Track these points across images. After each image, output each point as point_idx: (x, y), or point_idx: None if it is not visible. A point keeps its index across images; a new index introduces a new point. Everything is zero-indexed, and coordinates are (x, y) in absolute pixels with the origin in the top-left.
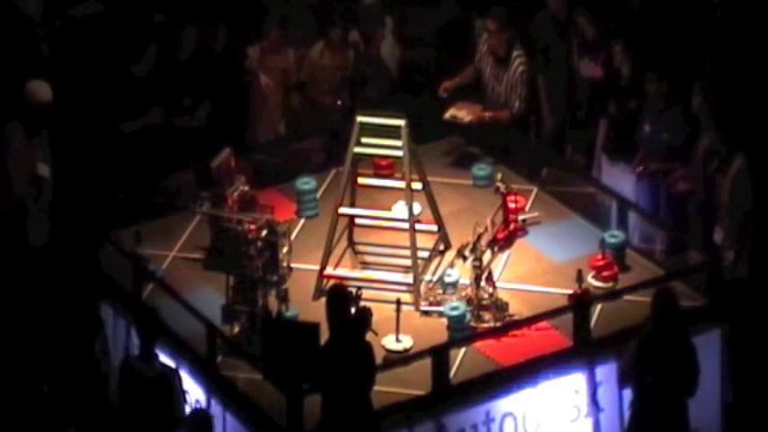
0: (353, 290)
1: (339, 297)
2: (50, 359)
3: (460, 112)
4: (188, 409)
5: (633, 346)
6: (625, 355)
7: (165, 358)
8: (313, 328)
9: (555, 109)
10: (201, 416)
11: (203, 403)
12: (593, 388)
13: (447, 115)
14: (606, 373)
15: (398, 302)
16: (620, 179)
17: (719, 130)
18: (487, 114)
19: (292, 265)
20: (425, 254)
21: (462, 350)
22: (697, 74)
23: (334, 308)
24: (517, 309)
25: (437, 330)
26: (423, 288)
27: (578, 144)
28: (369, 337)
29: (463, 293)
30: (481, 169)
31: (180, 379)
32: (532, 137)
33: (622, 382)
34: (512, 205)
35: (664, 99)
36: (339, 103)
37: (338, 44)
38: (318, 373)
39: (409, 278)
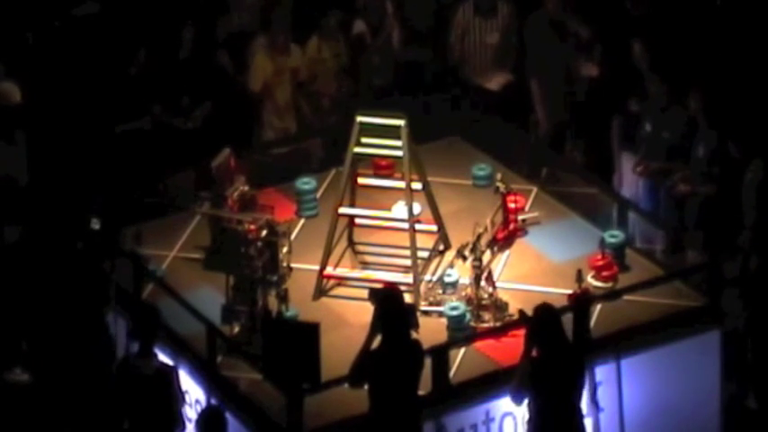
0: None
1: (395, 298)
2: (50, 357)
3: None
4: (186, 408)
5: (521, 371)
6: (515, 378)
7: (164, 358)
8: (313, 328)
9: (550, 112)
10: (213, 412)
11: (203, 403)
12: (593, 388)
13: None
14: (606, 372)
15: None
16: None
17: (722, 135)
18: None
19: (292, 265)
20: (425, 254)
21: (462, 350)
22: (696, 76)
23: (391, 310)
24: (517, 309)
25: (437, 330)
26: (423, 288)
27: (578, 143)
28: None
29: (463, 293)
30: (481, 169)
31: (178, 376)
32: (533, 136)
33: (516, 398)
34: (512, 205)
35: (665, 98)
36: (343, 89)
37: (332, 31)
38: (377, 374)
39: (409, 278)
